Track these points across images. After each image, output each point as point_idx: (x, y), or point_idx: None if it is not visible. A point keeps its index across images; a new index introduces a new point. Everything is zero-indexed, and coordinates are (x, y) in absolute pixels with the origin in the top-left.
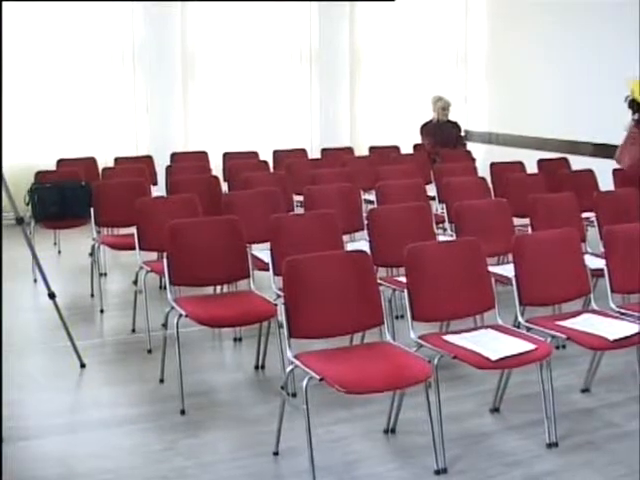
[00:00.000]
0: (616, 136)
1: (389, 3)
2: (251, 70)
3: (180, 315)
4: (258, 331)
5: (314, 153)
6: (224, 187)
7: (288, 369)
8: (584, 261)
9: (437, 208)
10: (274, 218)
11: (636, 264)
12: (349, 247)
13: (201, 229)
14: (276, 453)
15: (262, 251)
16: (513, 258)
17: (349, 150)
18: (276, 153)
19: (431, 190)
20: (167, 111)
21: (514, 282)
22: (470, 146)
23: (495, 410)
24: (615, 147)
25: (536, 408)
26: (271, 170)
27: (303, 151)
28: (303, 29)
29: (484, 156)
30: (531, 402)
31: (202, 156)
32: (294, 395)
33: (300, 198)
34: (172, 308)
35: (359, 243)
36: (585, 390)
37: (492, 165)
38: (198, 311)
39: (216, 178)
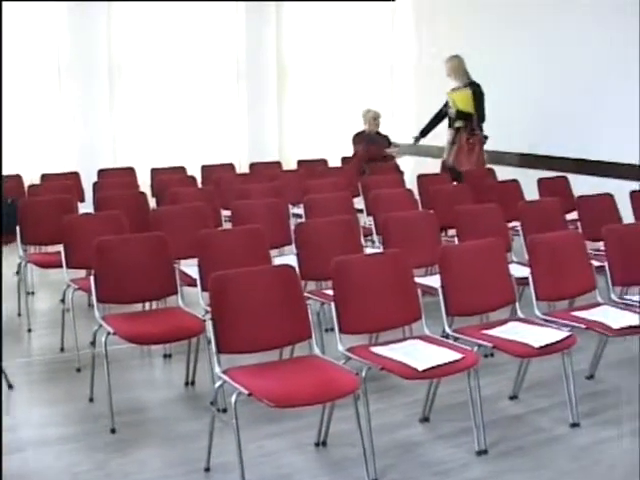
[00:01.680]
0: (541, 146)
1: (315, 17)
2: (179, 85)
3: (108, 333)
4: (187, 347)
5: (242, 168)
6: (152, 203)
7: (217, 385)
8: (509, 270)
9: (365, 221)
10: (201, 234)
11: (560, 272)
12: (277, 261)
13: (128, 246)
14: (207, 469)
15: (190, 267)
16: (439, 269)
17: (277, 164)
18: (204, 168)
19: (359, 203)
20: (94, 127)
21: (440, 292)
22: (399, 159)
23: (425, 420)
24: (540, 157)
25: (465, 416)
26: (199, 185)
27: (231, 166)
28: (230, 43)
29: (412, 168)
30: (460, 411)
31: (129, 172)
32: (224, 410)
33: (228, 213)
34: (100, 326)
35: (287, 257)
36: (513, 397)
37: (419, 177)
38: (126, 328)
39: (143, 194)
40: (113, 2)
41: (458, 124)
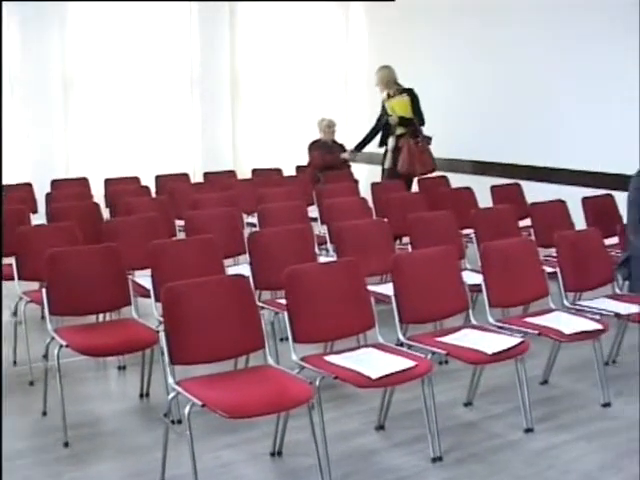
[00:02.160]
0: (496, 153)
1: (269, 26)
2: (132, 95)
3: (61, 345)
4: (141, 359)
5: (197, 177)
6: (106, 213)
7: (170, 396)
8: (462, 277)
9: (320, 230)
10: (154, 244)
11: (513, 279)
12: (232, 271)
13: (80, 257)
14: None
15: (144, 277)
16: (392, 277)
17: (232, 173)
18: (158, 178)
19: (314, 211)
20: (47, 137)
21: (394, 300)
22: (353, 167)
23: (380, 427)
24: (493, 164)
25: (420, 424)
26: (153, 195)
27: (185, 175)
28: (183, 53)
29: (367, 176)
30: (415, 418)
31: (83, 182)
32: (179, 422)
33: (182, 223)
34: (52, 339)
35: (242, 267)
36: (468, 404)
37: (373, 185)
38: (79, 341)
39: (97, 205)
40: (66, 15)
41: (400, 131)
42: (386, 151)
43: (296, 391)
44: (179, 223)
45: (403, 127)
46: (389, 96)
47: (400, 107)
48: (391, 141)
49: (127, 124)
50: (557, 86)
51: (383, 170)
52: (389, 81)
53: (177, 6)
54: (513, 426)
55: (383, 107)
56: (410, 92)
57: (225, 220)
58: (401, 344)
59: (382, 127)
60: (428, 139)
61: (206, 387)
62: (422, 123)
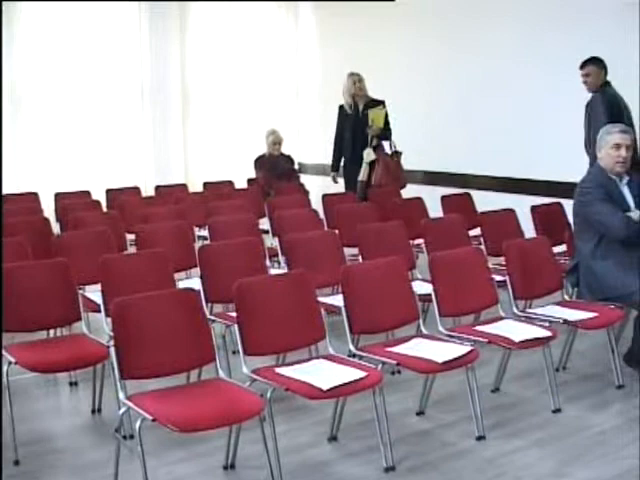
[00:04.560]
0: (446, 163)
1: (220, 39)
2: (82, 107)
3: (9, 362)
4: (93, 374)
5: (148, 191)
6: (56, 228)
7: (121, 411)
8: (412, 287)
9: (271, 242)
10: (104, 259)
11: (462, 288)
12: (183, 284)
13: (29, 273)
14: None
15: (95, 292)
16: (341, 288)
17: (183, 187)
18: (109, 192)
19: (265, 224)
20: None
21: (344, 312)
22: (304, 178)
23: (333, 439)
24: (445, 174)
25: (373, 434)
26: (104, 209)
27: (136, 189)
28: (134, 66)
29: (319, 188)
30: (368, 428)
31: (32, 197)
32: (132, 437)
33: (133, 237)
34: (1, 356)
35: (193, 280)
36: (420, 413)
37: (324, 197)
38: (28, 357)
39: (47, 219)
40: (14, 29)
41: (375, 142)
42: (359, 163)
43: (247, 404)
44: (130, 237)
45: (377, 139)
46: (367, 107)
47: (378, 118)
48: (368, 153)
49: (77, 137)
50: (506, 97)
51: (344, 182)
52: (362, 89)
53: (127, 18)
54: (465, 434)
55: (344, 118)
56: (384, 104)
57: (176, 234)
58: (353, 355)
59: (356, 139)
60: (399, 153)
61: (157, 401)
62: (391, 135)
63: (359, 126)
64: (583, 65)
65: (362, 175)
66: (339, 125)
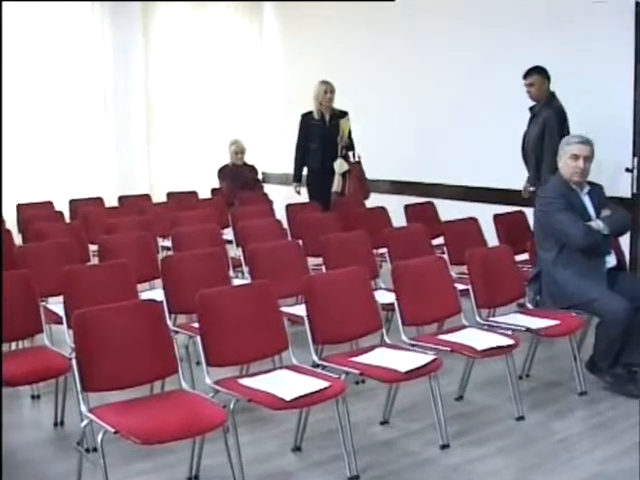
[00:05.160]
0: (410, 173)
1: (183, 49)
2: (44, 117)
3: None
4: (55, 387)
5: (112, 201)
6: (18, 239)
7: (83, 424)
8: (374, 297)
9: (236, 252)
10: (66, 270)
11: (425, 297)
12: (146, 295)
13: None
14: None
15: (57, 304)
16: (304, 298)
17: (147, 197)
18: (72, 202)
19: (230, 234)
20: None
21: (306, 322)
22: (268, 188)
23: (297, 449)
24: (409, 183)
25: (337, 443)
26: (67, 220)
27: (100, 199)
28: (97, 75)
29: (282, 198)
30: (332, 438)
31: None
32: (95, 450)
33: (97, 248)
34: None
35: (157, 291)
36: (384, 422)
37: (288, 206)
38: None
39: (9, 231)
40: None
41: (344, 153)
42: (327, 174)
43: (210, 415)
44: (93, 248)
45: (345, 149)
46: (336, 115)
47: (346, 129)
48: (340, 164)
49: (40, 147)
50: (467, 107)
51: (310, 192)
52: (331, 101)
53: (89, 26)
54: (429, 443)
55: (310, 127)
56: (348, 114)
57: (139, 244)
58: (316, 365)
59: (305, 151)
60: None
61: (120, 414)
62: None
63: (328, 136)
64: (527, 74)
65: (336, 186)
66: (303, 134)
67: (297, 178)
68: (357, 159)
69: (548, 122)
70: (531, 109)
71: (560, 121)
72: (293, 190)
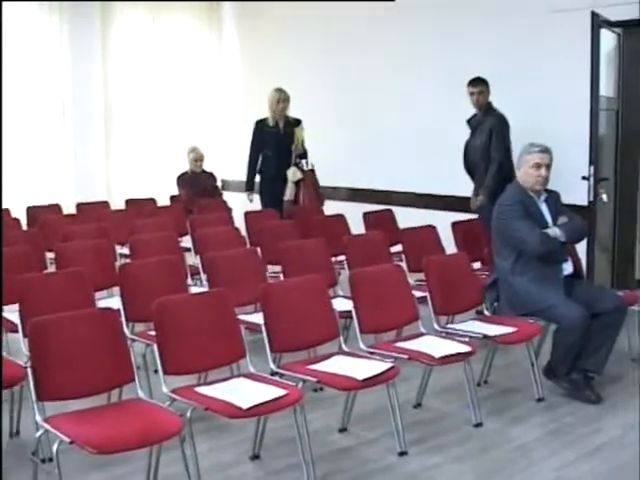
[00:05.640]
0: (369, 180)
1: (142, 55)
2: (1, 124)
3: None
4: (10, 396)
5: (69, 208)
6: None
7: (38, 434)
8: (332, 305)
9: (194, 260)
10: (22, 278)
11: (383, 304)
12: (104, 303)
13: None
14: None
15: (14, 313)
16: (261, 306)
17: (105, 204)
18: (29, 209)
19: (188, 241)
20: None
21: (264, 330)
22: (227, 195)
23: (255, 457)
24: (368, 191)
25: (295, 451)
26: (24, 227)
27: (57, 206)
28: (55, 80)
29: (241, 205)
30: (290, 446)
31: None
32: (50, 460)
33: (54, 255)
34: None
35: (114, 299)
36: (343, 430)
37: (246, 214)
38: None
39: None
40: None
41: (298, 161)
42: (281, 182)
43: (166, 424)
44: (50, 256)
45: (299, 158)
46: (291, 124)
47: (301, 136)
48: (294, 172)
49: None
50: (424, 115)
51: (263, 200)
52: (284, 110)
53: (47, 31)
54: (387, 450)
55: (264, 135)
56: (302, 122)
57: (97, 252)
58: (274, 373)
59: (257, 159)
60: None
61: (75, 423)
62: None
63: (283, 144)
64: (476, 83)
65: (289, 194)
66: (257, 141)
67: (250, 186)
68: (310, 167)
69: (495, 129)
70: (470, 121)
71: (506, 128)
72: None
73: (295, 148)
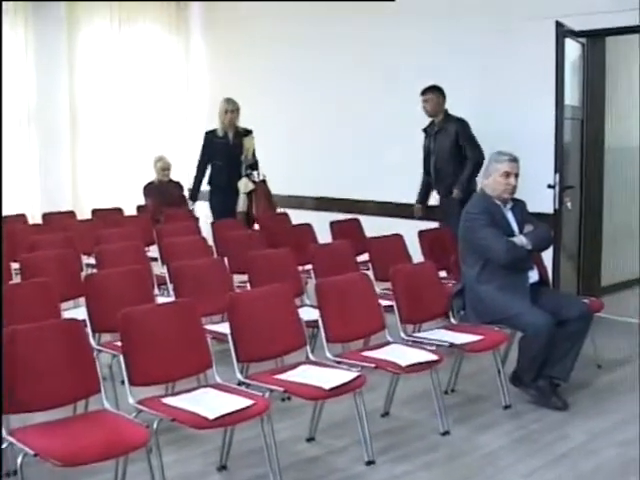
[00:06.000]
0: (336, 189)
1: (109, 64)
2: None
3: None
4: None
5: (35, 218)
6: None
7: (2, 446)
8: (299, 314)
9: (161, 270)
10: None
11: (349, 313)
12: (70, 314)
13: None
14: None
15: None
16: (228, 316)
17: (71, 214)
18: None
19: (155, 251)
20: None
21: (230, 339)
22: (195, 205)
23: (223, 467)
24: (335, 199)
25: (262, 461)
26: None
27: (23, 216)
28: (19, 88)
29: (209, 215)
30: (257, 456)
31: None
32: (15, 473)
33: (19, 266)
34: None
35: (81, 309)
36: (310, 439)
37: (213, 223)
38: None
39: None
40: None
41: (248, 172)
42: (231, 194)
43: (132, 435)
44: (15, 266)
45: (250, 168)
46: (240, 134)
47: (251, 148)
48: (245, 184)
49: None
50: (389, 124)
51: (214, 211)
52: (233, 120)
53: (13, 41)
54: (355, 459)
55: (214, 145)
56: (252, 132)
57: (63, 262)
58: (241, 383)
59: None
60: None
61: (40, 435)
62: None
63: (232, 155)
64: (424, 91)
65: (241, 206)
66: (206, 152)
67: (195, 197)
68: (262, 178)
69: (461, 132)
70: (427, 129)
71: (470, 130)
72: None
73: (245, 159)
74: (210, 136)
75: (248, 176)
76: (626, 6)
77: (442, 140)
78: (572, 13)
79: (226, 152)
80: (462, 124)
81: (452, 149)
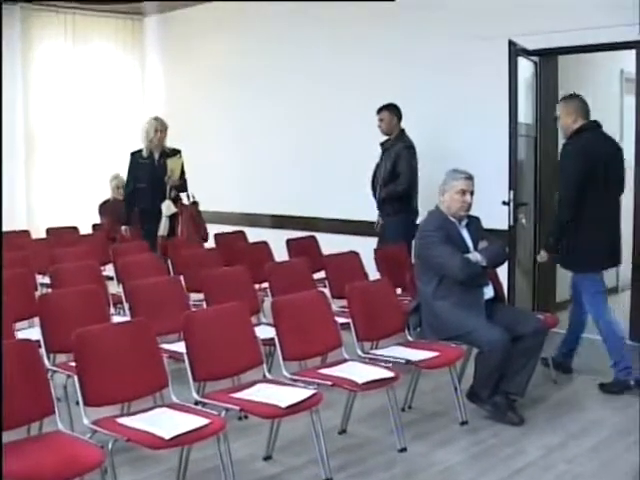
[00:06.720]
0: (293, 207)
1: (64, 80)
2: None
3: None
4: None
5: None
6: None
7: None
8: (255, 332)
9: (117, 289)
10: None
11: (306, 331)
12: (24, 334)
13: None
14: None
15: None
16: (184, 335)
17: (26, 233)
18: None
19: (110, 270)
20: None
21: (186, 358)
22: None
23: None
24: (292, 217)
25: None
26: None
27: None
28: None
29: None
30: (214, 476)
31: None
32: None
33: None
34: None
35: (35, 329)
36: (267, 457)
37: (161, 244)
38: None
39: None
40: None
41: (174, 194)
42: (158, 217)
43: (86, 456)
44: None
45: (176, 190)
46: (166, 155)
47: (176, 169)
48: (168, 206)
49: None
50: (344, 141)
51: (147, 236)
52: (161, 140)
53: None
54: (312, 477)
55: (138, 166)
56: (180, 153)
57: (16, 281)
58: (197, 402)
59: (154, 190)
60: (197, 204)
61: None
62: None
63: (156, 176)
64: (378, 110)
65: (162, 229)
66: (132, 174)
67: (127, 220)
68: (192, 200)
69: (401, 155)
70: (383, 144)
71: (411, 155)
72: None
73: (168, 180)
74: (135, 157)
75: (174, 199)
76: (578, 26)
77: (385, 160)
78: (525, 32)
79: (151, 173)
80: (405, 150)
81: (390, 171)
